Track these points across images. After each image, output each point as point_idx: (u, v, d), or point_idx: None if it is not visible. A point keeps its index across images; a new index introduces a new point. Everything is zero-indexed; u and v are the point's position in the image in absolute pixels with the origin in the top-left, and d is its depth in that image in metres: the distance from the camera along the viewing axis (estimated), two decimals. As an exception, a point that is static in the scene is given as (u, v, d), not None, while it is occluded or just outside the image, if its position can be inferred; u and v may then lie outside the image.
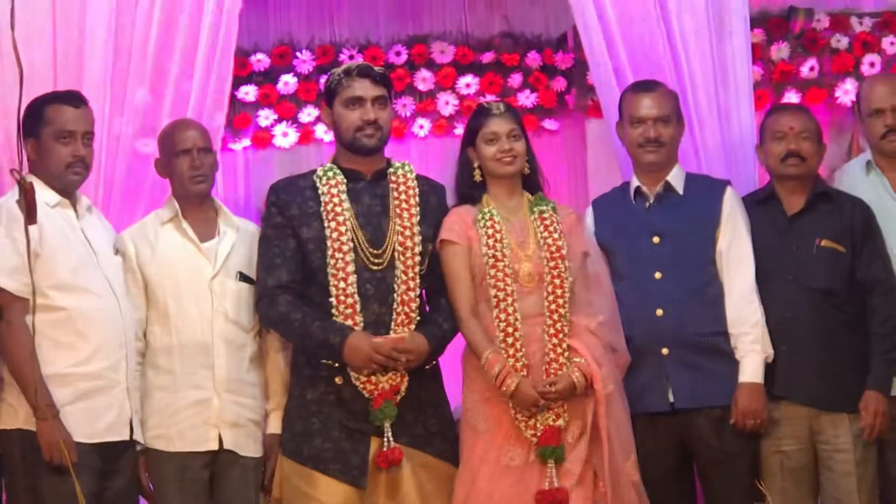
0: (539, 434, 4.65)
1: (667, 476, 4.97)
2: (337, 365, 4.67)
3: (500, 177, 4.85)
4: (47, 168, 4.68)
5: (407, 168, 4.89)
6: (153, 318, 4.84)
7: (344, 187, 4.78)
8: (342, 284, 4.68)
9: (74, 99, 4.76)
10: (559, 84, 6.42)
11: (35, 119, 4.66)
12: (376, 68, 4.90)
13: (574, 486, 4.61)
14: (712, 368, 4.96)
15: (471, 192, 4.88)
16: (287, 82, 6.22)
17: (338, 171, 4.81)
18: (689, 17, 5.51)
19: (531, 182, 4.92)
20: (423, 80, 6.29)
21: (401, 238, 4.74)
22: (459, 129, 6.06)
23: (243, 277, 4.87)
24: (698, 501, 5.12)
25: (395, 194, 4.81)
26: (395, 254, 4.73)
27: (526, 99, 6.34)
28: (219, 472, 4.81)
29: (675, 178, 5.14)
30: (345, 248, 4.70)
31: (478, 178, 4.87)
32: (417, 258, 4.74)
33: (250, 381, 4.87)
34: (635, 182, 5.16)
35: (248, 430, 4.85)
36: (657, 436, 4.96)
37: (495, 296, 4.73)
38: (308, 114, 6.18)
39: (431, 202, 4.87)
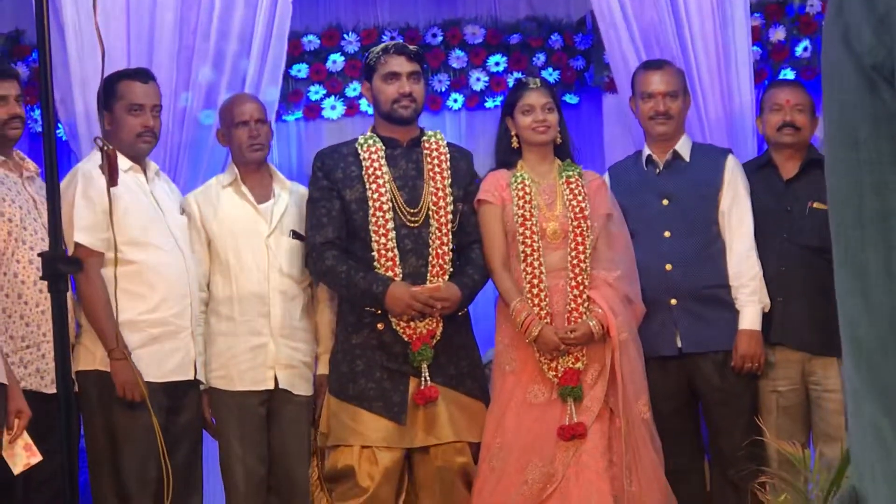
0: (560, 375, 4.63)
1: (675, 413, 4.94)
2: (379, 312, 4.65)
3: (534, 144, 4.80)
4: (120, 137, 4.60)
5: (439, 136, 4.87)
6: (216, 271, 4.81)
7: (383, 153, 4.75)
8: (383, 240, 4.66)
9: (143, 75, 4.75)
10: (579, 63, 6.26)
11: (109, 94, 4.59)
12: (410, 46, 4.90)
13: (592, 422, 4.57)
14: (715, 317, 4.92)
15: (508, 157, 4.85)
16: (335, 61, 6.06)
17: (377, 139, 4.79)
18: (695, 3, 5.42)
19: (563, 150, 4.87)
20: (457, 59, 6.14)
21: (434, 199, 4.72)
22: (489, 103, 6.09)
23: (296, 235, 4.84)
24: (703, 436, 5.07)
25: (429, 160, 4.78)
26: (430, 213, 4.71)
27: (549, 76, 6.15)
28: (274, 408, 4.79)
29: (683, 146, 5.08)
30: (385, 207, 4.68)
31: (515, 144, 4.83)
32: (450, 216, 4.73)
33: (302, 328, 4.84)
34: (647, 150, 5.11)
35: (301, 371, 4.83)
36: (667, 377, 4.93)
37: (523, 251, 4.70)
38: (353, 89, 6.05)
39: (461, 166, 4.85)
